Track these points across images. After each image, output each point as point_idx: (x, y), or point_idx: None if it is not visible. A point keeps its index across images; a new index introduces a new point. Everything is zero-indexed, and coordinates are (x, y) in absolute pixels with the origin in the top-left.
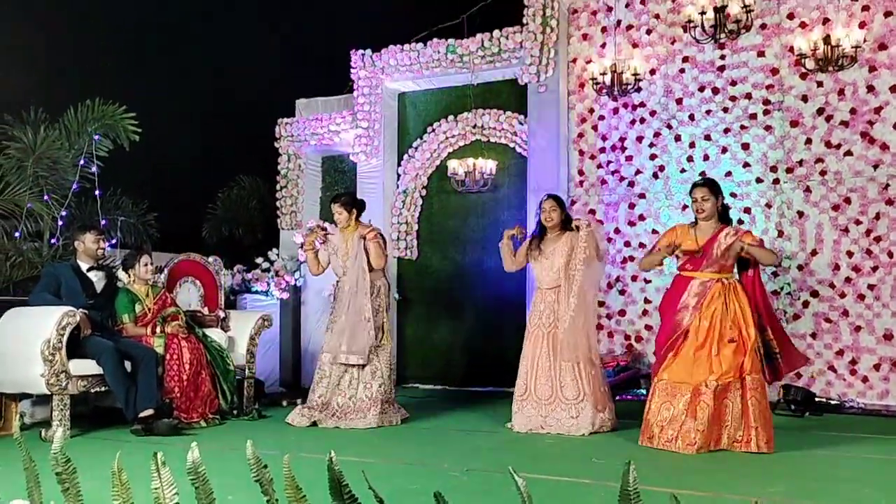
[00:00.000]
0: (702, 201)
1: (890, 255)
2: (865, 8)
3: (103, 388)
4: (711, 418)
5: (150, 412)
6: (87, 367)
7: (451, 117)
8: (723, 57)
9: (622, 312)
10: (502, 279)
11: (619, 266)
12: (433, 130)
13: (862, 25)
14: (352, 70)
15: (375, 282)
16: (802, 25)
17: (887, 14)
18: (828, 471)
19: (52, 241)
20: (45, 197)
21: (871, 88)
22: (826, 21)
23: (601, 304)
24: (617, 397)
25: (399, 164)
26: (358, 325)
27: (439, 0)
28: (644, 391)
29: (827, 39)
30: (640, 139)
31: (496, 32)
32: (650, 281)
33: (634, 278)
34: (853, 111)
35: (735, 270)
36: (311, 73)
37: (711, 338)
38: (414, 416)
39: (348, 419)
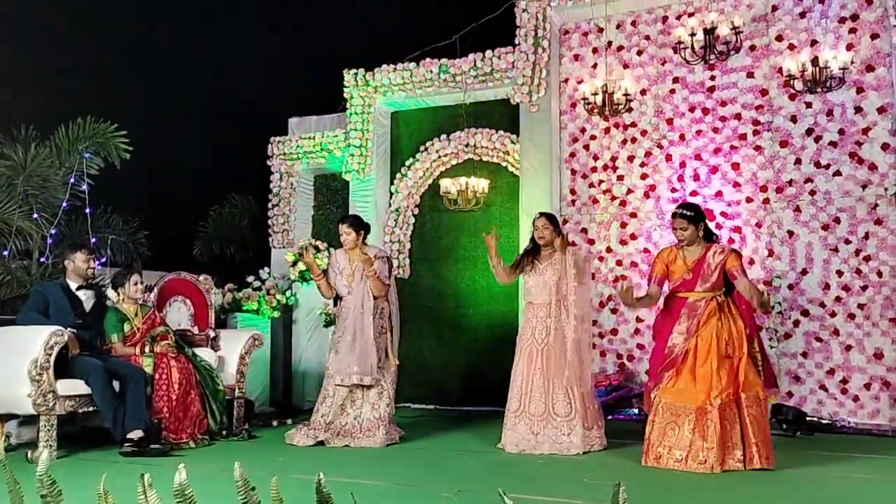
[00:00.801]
0: (680, 231)
1: (879, 274)
2: (853, 30)
3: (91, 409)
4: (720, 438)
5: (138, 433)
6: (75, 386)
7: (443, 136)
8: (713, 78)
9: (614, 331)
10: (495, 298)
11: (610, 285)
12: (426, 149)
13: (849, 47)
14: (345, 89)
15: (380, 303)
16: (791, 47)
17: (874, 36)
18: (822, 491)
19: (42, 259)
20: (35, 215)
21: (858, 109)
22: (814, 43)
23: (593, 323)
24: (609, 417)
25: (391, 183)
26: (366, 345)
27: (432, 20)
28: (636, 411)
29: (815, 61)
30: (631, 159)
31: (488, 52)
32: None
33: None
34: (842, 132)
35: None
36: (304, 91)
37: (710, 356)
38: (405, 436)
39: (356, 439)
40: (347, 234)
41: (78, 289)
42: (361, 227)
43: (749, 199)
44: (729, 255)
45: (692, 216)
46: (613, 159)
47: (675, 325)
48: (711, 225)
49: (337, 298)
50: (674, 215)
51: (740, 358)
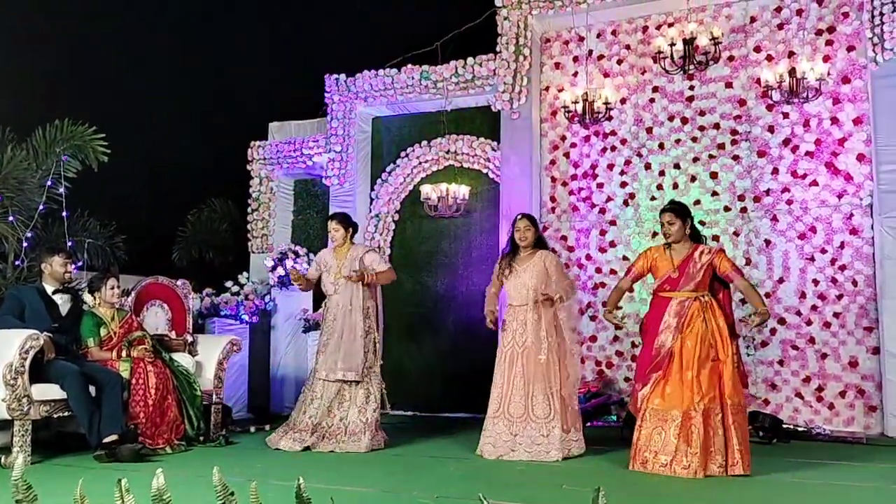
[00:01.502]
0: (668, 225)
1: (854, 283)
2: (829, 42)
3: (66, 413)
4: (703, 443)
5: (114, 438)
6: (51, 391)
7: (424, 142)
8: (692, 87)
9: (593, 338)
10: (474, 304)
11: (590, 292)
12: (406, 155)
13: (826, 59)
14: (326, 94)
15: (366, 301)
16: (769, 58)
17: (850, 48)
18: (798, 498)
19: (17, 262)
20: (11, 218)
21: (834, 120)
22: (791, 54)
23: (572, 329)
24: (588, 423)
25: (372, 189)
26: (353, 343)
27: (414, 27)
28: (615, 417)
29: (792, 72)
30: (610, 167)
31: (470, 60)
32: (621, 307)
33: (605, 304)
34: (818, 142)
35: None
36: (285, 96)
37: (694, 358)
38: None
39: (341, 443)
40: (336, 230)
41: (54, 292)
42: (350, 224)
43: (727, 208)
44: (717, 255)
45: (680, 210)
46: (593, 167)
47: (660, 324)
48: None
49: (321, 298)
50: (662, 210)
51: (724, 362)
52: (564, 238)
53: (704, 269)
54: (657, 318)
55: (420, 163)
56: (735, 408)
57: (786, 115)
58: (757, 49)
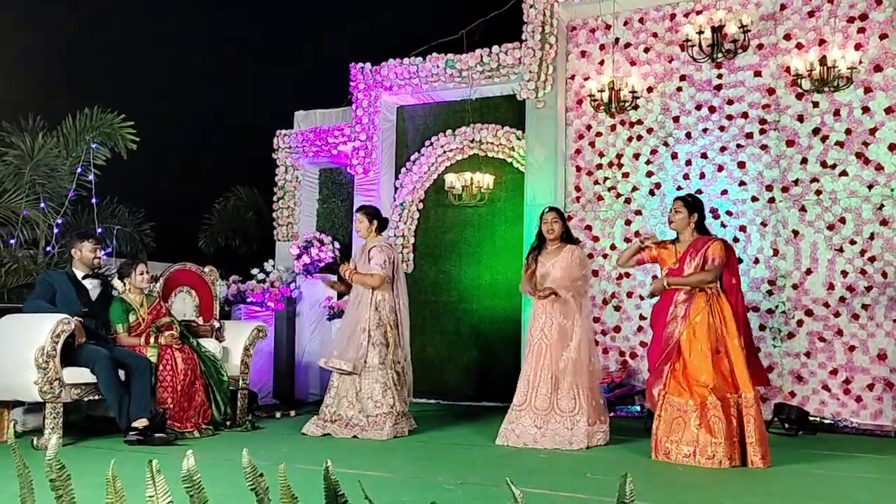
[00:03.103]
0: (674, 213)
1: (884, 275)
2: (861, 30)
3: (96, 397)
4: (726, 433)
5: (143, 421)
6: (81, 375)
7: (449, 131)
8: (720, 76)
9: (617, 329)
10: (498, 293)
11: (614, 282)
12: (431, 144)
13: (857, 47)
14: (351, 83)
15: (378, 294)
16: (799, 46)
17: (882, 36)
18: (823, 489)
19: (48, 248)
20: (42, 204)
21: (866, 109)
22: (822, 42)
23: (596, 319)
24: (611, 414)
25: (396, 178)
26: (353, 334)
27: (439, 15)
28: (638, 408)
29: (823, 60)
30: (636, 156)
31: (495, 48)
32: (644, 298)
33: (630, 294)
34: (848, 132)
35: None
36: (310, 84)
37: (702, 350)
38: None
39: (364, 431)
40: (360, 221)
41: (84, 278)
42: (375, 217)
43: (754, 199)
44: (714, 243)
45: (689, 202)
46: (619, 156)
47: (668, 315)
48: (716, 223)
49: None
50: (675, 199)
51: (733, 354)
52: (589, 228)
53: (700, 258)
54: (664, 309)
55: (444, 151)
56: (749, 401)
57: (816, 105)
58: (787, 37)
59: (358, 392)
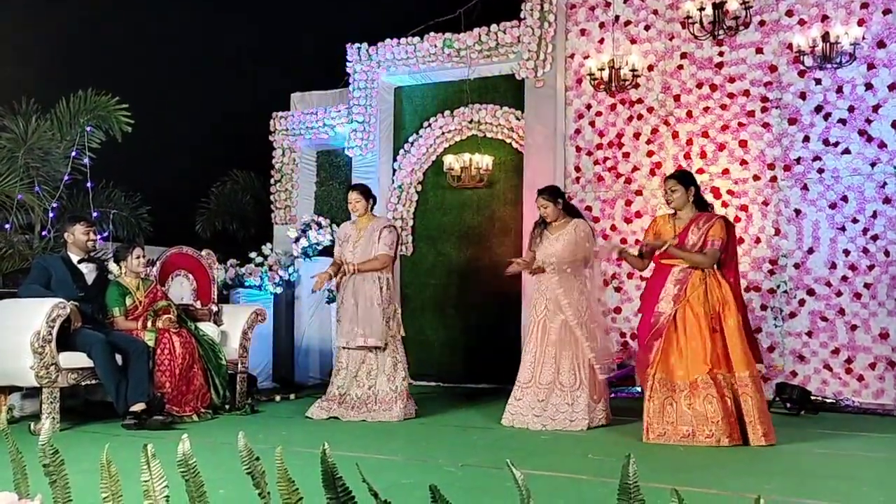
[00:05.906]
0: (670, 192)
1: (887, 253)
2: (864, 5)
3: (94, 381)
4: (723, 412)
5: (141, 406)
6: (78, 359)
7: (447, 112)
8: (721, 54)
9: (617, 310)
10: (498, 275)
11: (614, 263)
12: (429, 125)
13: (861, 23)
14: (348, 64)
15: (381, 273)
16: (801, 23)
17: (886, 12)
18: (825, 468)
19: (43, 233)
20: (37, 188)
21: (869, 86)
22: (825, 18)
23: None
24: (612, 395)
25: (395, 159)
26: (371, 309)
27: None
28: (639, 388)
29: (825, 37)
30: (637, 136)
31: (493, 27)
32: (646, 279)
33: (630, 275)
34: (851, 109)
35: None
36: (307, 66)
37: (696, 328)
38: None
39: (372, 412)
40: (357, 201)
41: (79, 262)
42: (370, 196)
43: (756, 177)
44: (716, 223)
45: (682, 178)
46: (619, 136)
47: (661, 292)
48: (717, 203)
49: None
50: (665, 179)
51: (728, 333)
52: (589, 208)
53: (702, 236)
54: (658, 285)
55: (443, 133)
56: (744, 381)
57: (818, 82)
58: (789, 13)
59: (370, 370)
